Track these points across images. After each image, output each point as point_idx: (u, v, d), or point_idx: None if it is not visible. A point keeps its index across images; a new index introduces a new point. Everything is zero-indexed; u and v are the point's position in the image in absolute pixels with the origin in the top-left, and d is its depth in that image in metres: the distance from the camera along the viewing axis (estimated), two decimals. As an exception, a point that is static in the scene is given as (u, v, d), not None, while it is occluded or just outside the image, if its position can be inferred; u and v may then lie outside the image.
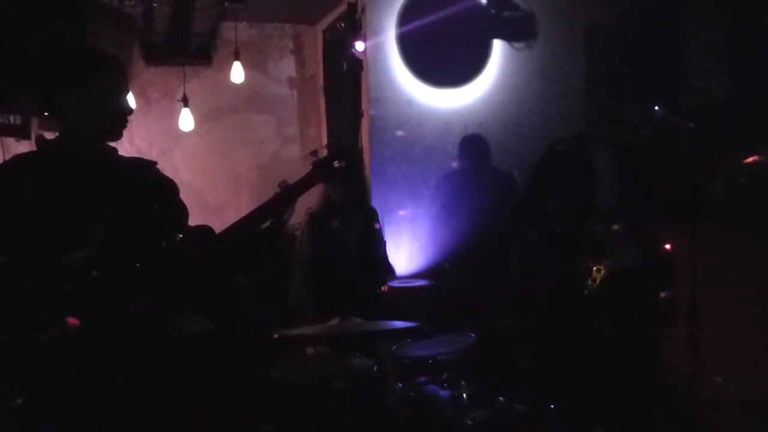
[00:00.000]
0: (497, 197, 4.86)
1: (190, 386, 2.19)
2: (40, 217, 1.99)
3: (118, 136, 2.17)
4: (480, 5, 5.12)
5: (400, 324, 2.98)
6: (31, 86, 3.13)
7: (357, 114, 5.11)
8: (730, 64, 5.42)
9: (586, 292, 3.43)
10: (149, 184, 2.25)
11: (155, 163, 2.29)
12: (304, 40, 6.39)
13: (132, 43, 5.36)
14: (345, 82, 5.32)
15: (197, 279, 2.21)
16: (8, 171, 2.11)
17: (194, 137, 5.88)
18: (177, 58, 5.81)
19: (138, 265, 2.06)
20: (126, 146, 3.02)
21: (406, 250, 4.98)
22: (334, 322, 2.90)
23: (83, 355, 1.96)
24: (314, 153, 6.18)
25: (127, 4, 4.62)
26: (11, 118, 3.60)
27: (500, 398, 3.11)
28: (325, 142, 6.13)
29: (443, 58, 5.07)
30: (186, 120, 5.61)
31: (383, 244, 4.11)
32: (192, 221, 2.34)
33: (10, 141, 4.05)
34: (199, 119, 5.79)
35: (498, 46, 5.26)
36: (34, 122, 3.89)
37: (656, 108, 3.60)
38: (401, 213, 5.00)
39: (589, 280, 3.43)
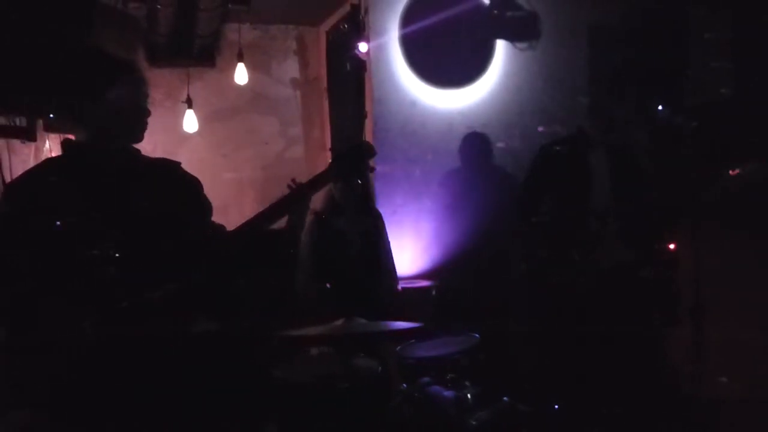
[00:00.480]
0: (500, 197, 4.87)
1: (194, 386, 2.21)
2: (68, 215, 2.05)
3: (139, 138, 2.24)
4: (483, 6, 5.13)
5: (404, 324, 3.00)
6: (36, 88, 3.15)
7: (360, 115, 5.11)
8: (733, 64, 5.41)
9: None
10: (175, 182, 2.32)
11: (179, 163, 2.36)
12: (307, 42, 6.41)
13: (136, 44, 5.38)
14: (348, 83, 5.33)
15: (207, 278, 2.24)
16: (40, 172, 2.18)
17: (198, 138, 5.90)
18: (181, 60, 5.83)
19: (163, 260, 2.12)
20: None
21: (410, 251, 4.98)
22: (339, 322, 2.91)
23: (95, 355, 1.99)
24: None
25: (130, 6, 4.64)
26: (17, 120, 3.62)
27: (504, 398, 3.12)
28: (329, 142, 6.14)
29: (446, 59, 5.07)
30: (190, 121, 5.63)
31: (389, 249, 4.12)
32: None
33: (15, 143, 4.07)
34: (203, 120, 5.80)
35: (501, 47, 5.26)
36: (40, 124, 3.91)
37: (659, 108, 3.61)
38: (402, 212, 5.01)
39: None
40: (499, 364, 3.76)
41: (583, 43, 5.44)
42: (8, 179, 3.92)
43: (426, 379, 3.30)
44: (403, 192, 5.02)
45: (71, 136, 2.21)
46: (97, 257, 2.03)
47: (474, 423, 2.96)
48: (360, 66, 5.05)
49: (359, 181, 3.78)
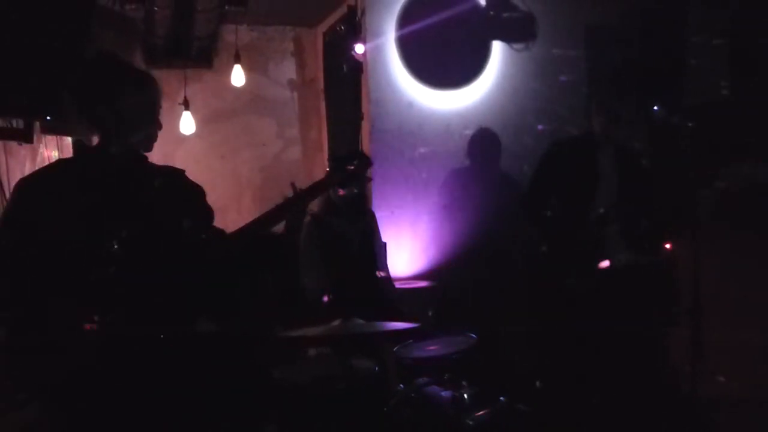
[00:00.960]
0: (498, 198, 4.88)
1: (194, 386, 2.22)
2: (75, 214, 2.11)
3: (149, 148, 2.33)
4: (479, 7, 5.13)
5: (401, 325, 3.00)
6: (34, 89, 3.14)
7: (357, 116, 5.11)
8: (731, 64, 5.42)
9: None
10: (179, 189, 2.39)
11: (184, 171, 2.44)
12: (304, 43, 6.41)
13: (133, 46, 5.38)
14: (345, 85, 5.33)
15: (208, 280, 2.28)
16: (51, 172, 2.27)
17: (195, 140, 5.91)
18: (178, 62, 5.83)
19: (166, 262, 2.18)
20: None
21: (408, 252, 4.98)
22: (336, 323, 2.92)
23: (96, 355, 2.02)
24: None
25: (128, 8, 4.63)
26: (14, 122, 3.61)
27: (502, 399, 3.12)
28: (326, 144, 6.15)
29: (443, 60, 5.08)
30: (187, 123, 5.63)
31: (382, 247, 4.13)
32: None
33: (12, 144, 4.06)
34: (201, 122, 5.81)
35: (497, 48, 5.27)
36: (37, 126, 3.91)
37: (655, 108, 3.61)
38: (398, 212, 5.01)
39: None
40: (496, 365, 3.77)
41: (581, 43, 5.45)
42: (4, 181, 3.92)
43: (423, 379, 3.31)
44: (401, 193, 5.02)
45: (68, 137, 2.25)
46: (102, 257, 2.08)
47: (471, 423, 2.96)
48: (357, 67, 5.05)
49: (355, 190, 3.81)
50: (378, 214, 4.30)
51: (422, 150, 5.09)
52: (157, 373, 2.11)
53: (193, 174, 2.49)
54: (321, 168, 6.04)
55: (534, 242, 4.00)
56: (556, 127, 5.18)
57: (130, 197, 2.22)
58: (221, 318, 2.59)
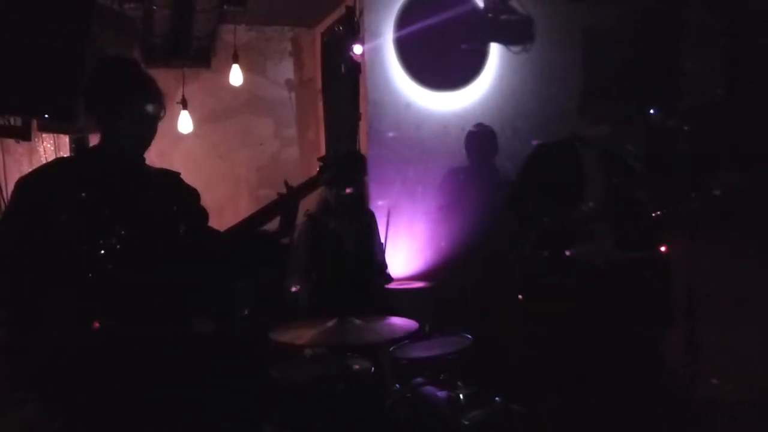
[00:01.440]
0: (495, 198, 4.88)
1: (191, 385, 2.22)
2: (73, 211, 2.13)
3: (142, 151, 2.35)
4: (477, 9, 5.15)
5: (398, 324, 3.00)
6: (32, 88, 3.15)
7: (355, 116, 5.12)
8: (728, 67, 5.44)
9: None
10: (175, 190, 2.42)
11: (179, 173, 2.46)
12: (302, 43, 6.42)
13: (131, 45, 5.37)
14: (343, 85, 5.34)
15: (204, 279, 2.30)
16: (51, 170, 2.29)
17: (193, 139, 5.91)
18: (176, 61, 5.83)
19: (160, 262, 2.20)
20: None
21: (404, 252, 4.99)
22: (332, 323, 2.92)
23: (94, 350, 2.03)
24: (322, 158, 6.19)
25: (127, 7, 4.64)
26: (11, 120, 3.62)
27: (497, 399, 3.13)
28: (323, 144, 6.15)
29: (441, 61, 5.09)
30: (185, 122, 5.63)
31: (381, 249, 4.13)
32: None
33: (9, 142, 4.06)
34: (198, 121, 5.81)
35: (495, 50, 5.28)
36: (34, 124, 3.91)
37: (652, 111, 3.63)
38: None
39: None
40: (492, 365, 3.77)
41: (578, 46, 5.46)
42: (1, 179, 3.92)
43: (419, 379, 3.32)
44: (398, 193, 5.03)
45: (66, 136, 2.27)
46: (100, 255, 2.09)
47: (467, 423, 2.97)
48: (355, 68, 5.06)
49: (348, 189, 3.81)
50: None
51: (419, 151, 5.10)
52: (154, 372, 2.12)
53: (190, 173, 2.50)
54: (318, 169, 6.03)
55: (525, 242, 4.01)
56: (553, 129, 5.19)
57: (128, 197, 2.24)
58: (217, 317, 2.61)
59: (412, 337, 3.40)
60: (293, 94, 6.43)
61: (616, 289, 3.67)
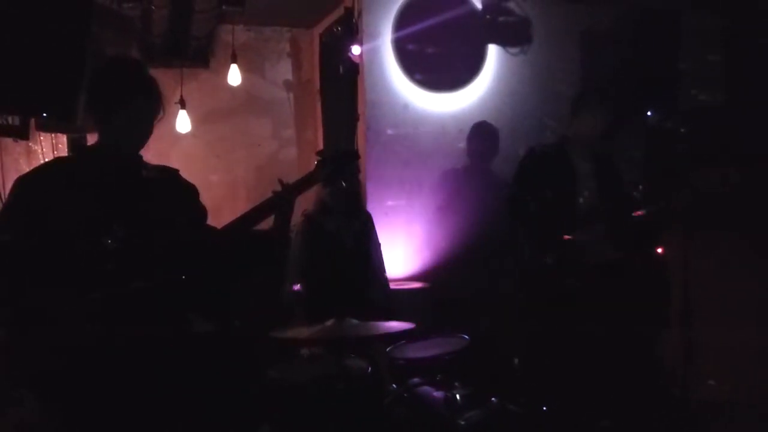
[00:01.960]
0: (493, 199, 4.89)
1: (190, 386, 2.23)
2: (72, 211, 2.13)
3: (140, 148, 2.35)
4: (475, 10, 5.16)
5: (395, 325, 3.01)
6: (30, 87, 3.15)
7: (353, 117, 5.13)
8: (727, 68, 5.45)
9: None
10: (174, 188, 2.42)
11: (178, 170, 2.47)
12: (301, 44, 6.42)
13: (130, 45, 5.37)
14: (341, 86, 5.34)
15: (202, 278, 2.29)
16: (49, 169, 2.31)
17: (191, 139, 5.90)
18: (175, 61, 5.81)
19: (160, 260, 2.20)
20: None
21: (402, 253, 5.00)
22: (329, 323, 2.93)
23: (91, 349, 2.03)
24: (320, 153, 6.18)
25: (126, 7, 4.63)
26: (9, 119, 3.61)
27: (493, 399, 3.14)
28: (321, 144, 6.16)
29: (439, 63, 5.10)
30: (183, 122, 5.63)
31: (379, 252, 4.14)
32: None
33: (7, 141, 4.06)
34: (196, 121, 5.81)
35: (493, 51, 5.29)
36: (32, 123, 3.91)
37: (649, 113, 3.64)
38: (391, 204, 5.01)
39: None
40: (489, 365, 3.78)
41: (576, 48, 5.47)
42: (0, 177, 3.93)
43: (416, 379, 3.32)
44: (395, 194, 5.04)
45: (64, 136, 2.27)
46: (99, 254, 2.10)
47: (463, 423, 2.98)
48: (353, 69, 5.07)
49: (344, 184, 3.79)
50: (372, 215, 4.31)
51: (417, 151, 5.10)
52: (153, 372, 2.12)
53: (188, 173, 2.50)
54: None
55: (522, 243, 4.02)
56: (550, 131, 5.20)
57: (127, 195, 2.24)
58: (215, 316, 2.61)
59: (409, 337, 3.41)
60: (291, 95, 6.43)
61: (614, 289, 3.69)
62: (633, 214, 3.68)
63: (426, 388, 3.24)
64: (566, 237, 3.66)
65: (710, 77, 5.45)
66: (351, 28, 5.00)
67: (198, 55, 5.97)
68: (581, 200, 3.80)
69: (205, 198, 2.48)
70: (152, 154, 2.42)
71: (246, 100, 6.22)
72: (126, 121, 2.24)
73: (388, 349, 3.43)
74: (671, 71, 5.28)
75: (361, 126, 5.07)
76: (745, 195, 3.76)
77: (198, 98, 5.94)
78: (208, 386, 2.42)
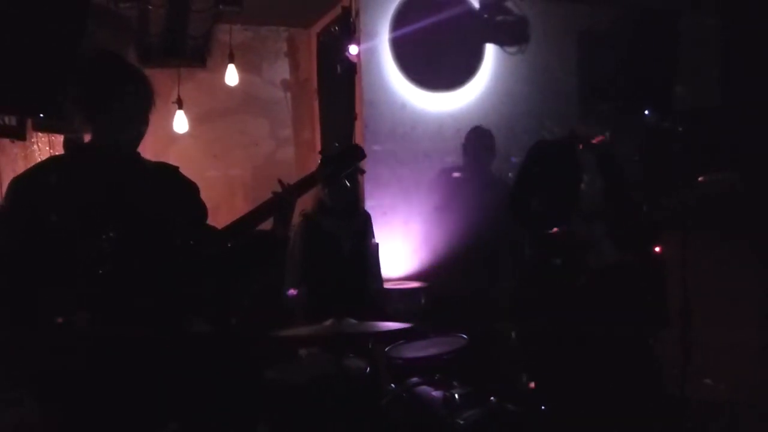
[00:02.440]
0: (491, 199, 4.89)
1: (188, 386, 2.22)
2: (69, 212, 2.11)
3: (136, 145, 2.32)
4: (473, 10, 5.16)
5: (393, 325, 3.01)
6: (28, 87, 3.14)
7: (351, 117, 5.12)
8: (724, 69, 5.46)
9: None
10: (173, 186, 2.39)
11: (177, 167, 2.44)
12: (298, 43, 6.41)
13: (127, 44, 5.36)
14: (339, 85, 5.34)
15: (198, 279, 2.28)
16: (45, 169, 2.27)
17: (188, 139, 5.90)
18: (172, 60, 5.81)
19: (159, 259, 2.18)
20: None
21: (400, 252, 4.99)
22: (328, 323, 2.92)
23: (89, 350, 2.03)
24: (323, 152, 6.17)
25: (123, 6, 4.62)
26: (6, 119, 3.61)
27: (492, 398, 3.13)
28: (319, 144, 6.15)
29: (436, 62, 5.10)
30: (180, 122, 5.63)
31: (376, 252, 4.14)
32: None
33: (5, 142, 4.05)
34: (194, 121, 5.80)
35: (491, 51, 5.29)
36: (29, 123, 3.90)
37: (647, 112, 3.63)
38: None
39: None
40: (488, 365, 3.78)
41: (573, 47, 5.48)
42: (-2, 177, 3.92)
43: (414, 379, 3.32)
44: (393, 194, 5.04)
45: (60, 136, 2.26)
46: (96, 254, 2.08)
47: (462, 423, 2.97)
48: (350, 68, 5.06)
49: (347, 184, 3.78)
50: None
51: (415, 151, 5.10)
52: (151, 372, 2.11)
53: (186, 173, 2.49)
54: (314, 168, 6.02)
55: (522, 243, 4.01)
56: (549, 130, 5.20)
57: (123, 194, 2.22)
58: (213, 316, 2.59)
59: (407, 337, 3.41)
60: (289, 94, 6.42)
61: (613, 289, 3.68)
62: (632, 215, 3.67)
63: (424, 388, 3.24)
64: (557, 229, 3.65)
65: (709, 77, 5.46)
66: (348, 28, 5.00)
67: (195, 54, 5.96)
68: (585, 199, 3.79)
69: (203, 198, 2.47)
70: (150, 153, 2.41)
71: (243, 99, 6.21)
72: (115, 116, 2.21)
73: (386, 349, 3.43)
74: (670, 71, 5.29)
75: (358, 125, 5.06)
76: (744, 195, 3.76)
77: (195, 98, 5.94)
78: (207, 386, 2.41)
